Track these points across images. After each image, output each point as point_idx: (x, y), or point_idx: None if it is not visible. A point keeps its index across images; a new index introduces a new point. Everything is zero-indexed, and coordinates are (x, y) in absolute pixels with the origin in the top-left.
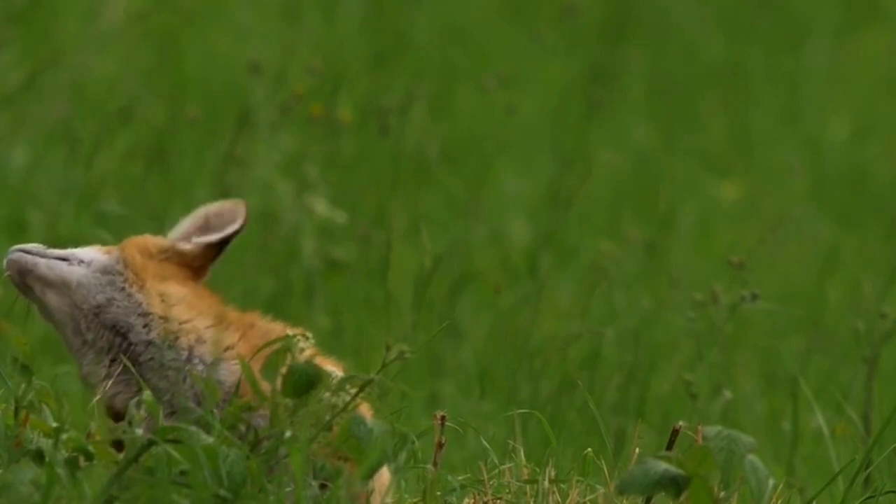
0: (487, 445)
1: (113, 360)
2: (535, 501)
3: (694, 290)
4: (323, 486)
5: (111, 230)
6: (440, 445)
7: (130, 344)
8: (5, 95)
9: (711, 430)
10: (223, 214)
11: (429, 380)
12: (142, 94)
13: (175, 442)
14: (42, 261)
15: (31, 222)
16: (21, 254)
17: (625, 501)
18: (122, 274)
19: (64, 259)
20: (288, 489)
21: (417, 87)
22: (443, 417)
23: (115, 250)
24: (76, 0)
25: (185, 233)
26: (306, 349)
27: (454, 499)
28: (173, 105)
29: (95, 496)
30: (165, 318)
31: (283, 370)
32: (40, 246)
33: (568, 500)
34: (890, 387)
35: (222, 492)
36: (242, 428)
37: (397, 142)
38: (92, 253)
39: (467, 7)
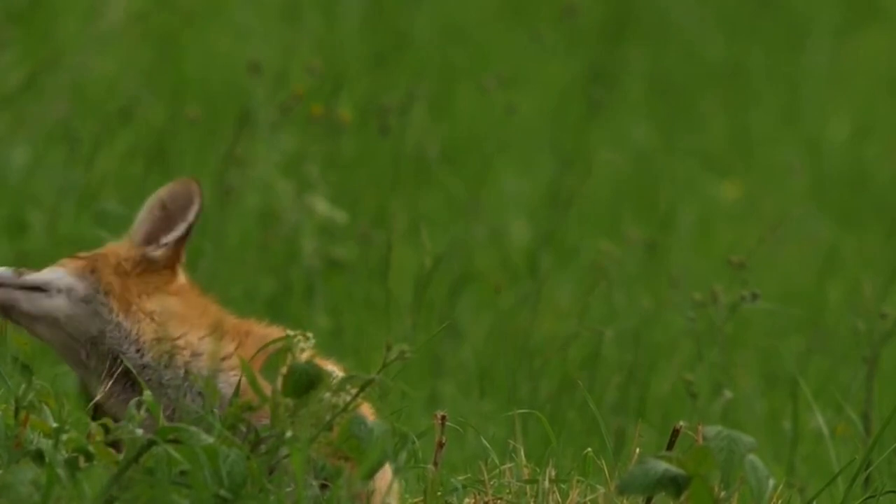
0: (488, 445)
1: (115, 381)
2: (535, 501)
3: (694, 290)
4: (323, 486)
5: (111, 230)
6: (440, 445)
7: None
8: (5, 95)
9: (711, 430)
10: (177, 198)
11: (429, 380)
12: (142, 94)
13: (175, 442)
14: (22, 296)
15: (31, 222)
16: None
17: (625, 501)
18: (105, 304)
19: (41, 289)
20: (288, 489)
21: (417, 87)
22: (443, 417)
23: (87, 272)
24: (76, 0)
25: (149, 231)
26: (305, 351)
27: (455, 499)
28: (173, 105)
29: (95, 496)
30: (158, 339)
31: (284, 370)
32: (10, 271)
33: (568, 500)
34: (890, 387)
35: (222, 492)
36: (243, 428)
37: (397, 142)
38: (67, 278)
39: (467, 7)
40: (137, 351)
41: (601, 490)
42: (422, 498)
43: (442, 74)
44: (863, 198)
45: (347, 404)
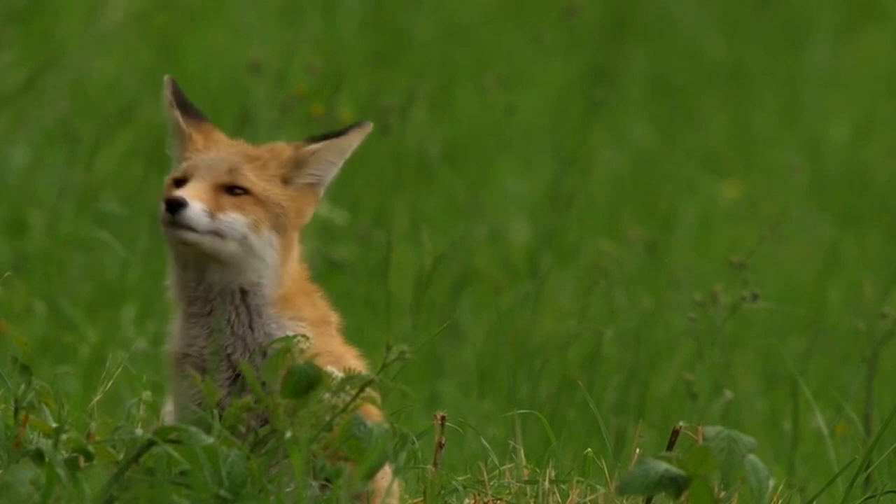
0: (487, 445)
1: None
2: (535, 502)
3: (694, 290)
4: (323, 487)
5: (111, 230)
6: (440, 445)
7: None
8: (5, 95)
9: (712, 430)
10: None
11: (429, 380)
12: (142, 94)
13: (175, 442)
14: (207, 240)
15: (32, 222)
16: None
17: (625, 501)
18: (272, 255)
19: (219, 235)
20: (288, 489)
21: (418, 87)
22: (443, 417)
23: (266, 230)
24: (76, 0)
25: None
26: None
27: (455, 499)
28: None
29: (95, 496)
30: (286, 297)
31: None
32: (207, 216)
33: (568, 501)
34: (890, 387)
35: (222, 492)
36: (242, 429)
37: (398, 142)
38: (244, 229)
39: (468, 7)
40: (260, 289)
41: (601, 490)
42: (422, 498)
43: (442, 74)
44: (863, 198)
45: (347, 405)
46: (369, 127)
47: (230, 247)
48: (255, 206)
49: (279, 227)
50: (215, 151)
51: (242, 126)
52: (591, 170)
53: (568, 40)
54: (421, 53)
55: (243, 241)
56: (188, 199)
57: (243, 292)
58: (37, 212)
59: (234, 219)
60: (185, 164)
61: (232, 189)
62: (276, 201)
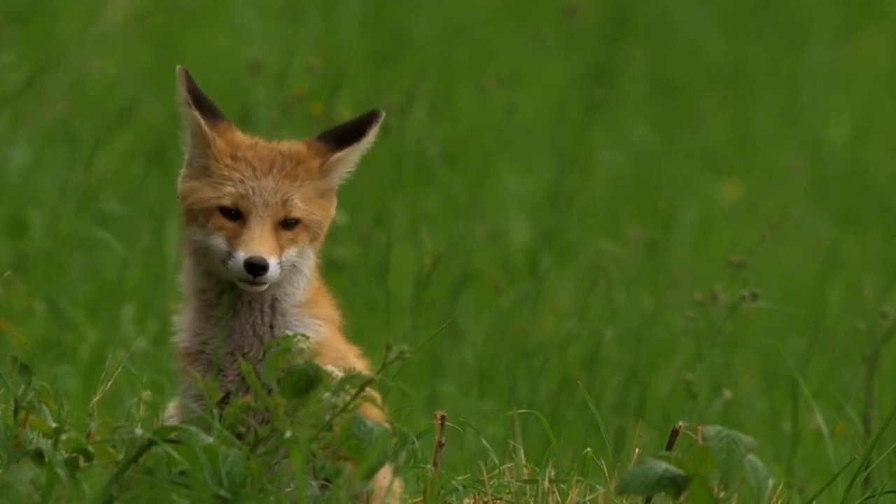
0: (487, 445)
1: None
2: (535, 501)
3: (694, 290)
4: (323, 487)
5: (111, 230)
6: (440, 445)
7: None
8: (5, 95)
9: (711, 430)
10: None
11: (429, 380)
12: (142, 94)
13: (175, 442)
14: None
15: (32, 222)
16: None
17: (625, 501)
18: (308, 265)
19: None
20: (288, 489)
21: (418, 87)
22: (443, 417)
23: (306, 246)
24: (76, 0)
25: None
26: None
27: (455, 499)
28: (173, 105)
29: (95, 496)
30: (309, 300)
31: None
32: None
33: (568, 500)
34: (890, 387)
35: (222, 492)
36: (242, 429)
37: (398, 141)
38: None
39: (468, 7)
40: (291, 297)
41: (601, 490)
42: (422, 498)
43: (442, 74)
44: (863, 198)
45: (347, 404)
46: (382, 116)
47: (281, 274)
48: (303, 232)
49: (314, 239)
50: (256, 172)
51: (242, 126)
52: (591, 170)
53: (568, 40)
54: (421, 53)
55: (292, 267)
56: (268, 260)
57: (274, 299)
58: (37, 212)
59: (291, 255)
60: (231, 189)
61: (285, 221)
62: (317, 220)
